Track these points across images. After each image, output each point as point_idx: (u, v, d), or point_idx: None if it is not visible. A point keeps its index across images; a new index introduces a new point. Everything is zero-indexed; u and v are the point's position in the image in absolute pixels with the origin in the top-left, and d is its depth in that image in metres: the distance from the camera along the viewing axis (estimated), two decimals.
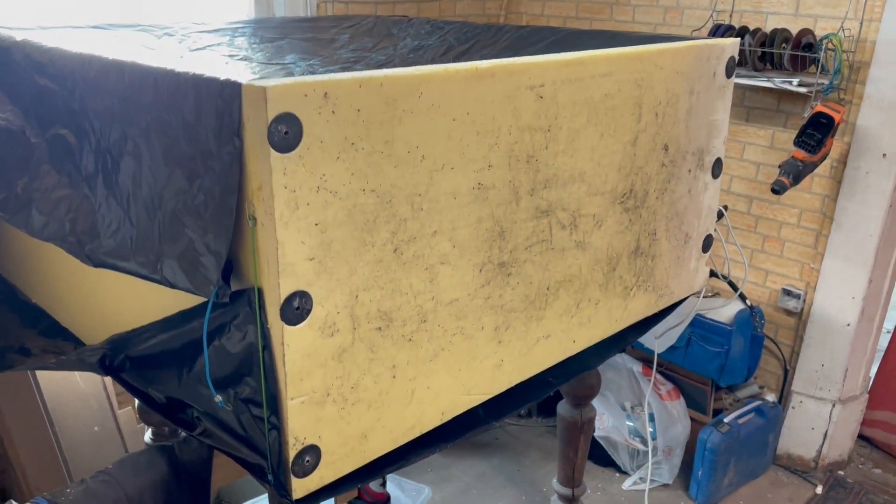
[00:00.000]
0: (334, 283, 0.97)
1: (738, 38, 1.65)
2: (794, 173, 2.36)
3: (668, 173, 1.52)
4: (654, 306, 1.64)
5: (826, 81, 2.39)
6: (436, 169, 1.06)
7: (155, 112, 1.03)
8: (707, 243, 1.74)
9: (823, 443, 2.78)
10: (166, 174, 1.03)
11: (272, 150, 0.87)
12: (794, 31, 2.46)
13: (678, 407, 2.70)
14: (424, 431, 1.19)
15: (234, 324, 0.99)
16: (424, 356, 1.14)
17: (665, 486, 2.71)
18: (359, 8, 2.79)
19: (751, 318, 2.66)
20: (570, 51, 1.25)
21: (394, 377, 1.10)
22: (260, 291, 0.95)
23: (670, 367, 2.80)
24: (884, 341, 2.97)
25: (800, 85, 2.41)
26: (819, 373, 2.73)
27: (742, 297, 2.68)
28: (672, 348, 2.66)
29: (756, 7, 2.62)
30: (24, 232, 1.30)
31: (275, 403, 0.98)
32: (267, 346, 0.96)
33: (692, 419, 2.72)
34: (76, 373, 2.14)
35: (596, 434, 2.66)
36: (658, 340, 2.14)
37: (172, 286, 1.04)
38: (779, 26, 2.52)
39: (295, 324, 0.95)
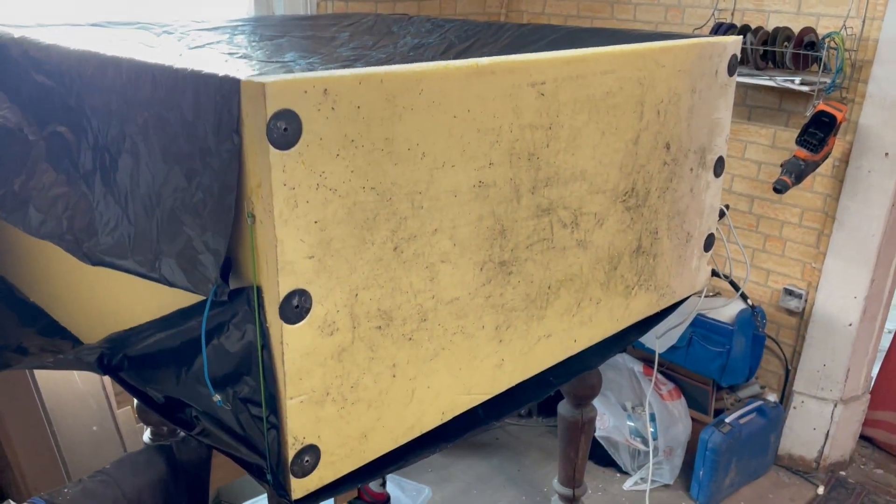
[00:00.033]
0: (334, 282, 0.97)
1: (741, 36, 1.64)
2: (797, 172, 2.35)
3: (669, 172, 1.51)
4: (655, 305, 1.63)
5: (828, 80, 2.38)
6: (436, 166, 1.05)
7: (153, 109, 1.02)
8: (709, 242, 1.73)
9: (825, 443, 2.77)
10: (164, 171, 1.02)
11: (271, 147, 0.86)
12: (796, 29, 2.46)
13: (679, 407, 2.69)
14: (424, 431, 1.18)
15: (233, 322, 0.99)
16: (425, 355, 1.13)
17: (666, 486, 2.71)
18: (359, 6, 2.79)
19: (752, 317, 2.65)
20: (572, 48, 1.24)
21: (394, 376, 1.09)
22: (259, 290, 0.94)
23: (671, 367, 2.79)
24: (886, 341, 2.96)
25: (802, 83, 2.40)
26: (821, 373, 2.72)
27: (743, 297, 2.67)
28: (673, 348, 2.65)
29: (758, 5, 2.61)
30: (22, 230, 1.29)
31: (274, 403, 0.97)
32: (266, 344, 0.95)
33: (693, 419, 2.71)
34: (75, 372, 2.14)
35: (597, 434, 2.66)
36: (659, 340, 2.13)
37: (171, 284, 1.03)
38: (781, 25, 2.52)
39: (294, 322, 0.94)
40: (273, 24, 2.02)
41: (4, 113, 1.33)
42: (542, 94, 1.17)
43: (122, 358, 1.15)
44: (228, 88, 0.88)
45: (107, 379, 2.22)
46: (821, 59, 2.38)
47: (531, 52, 1.22)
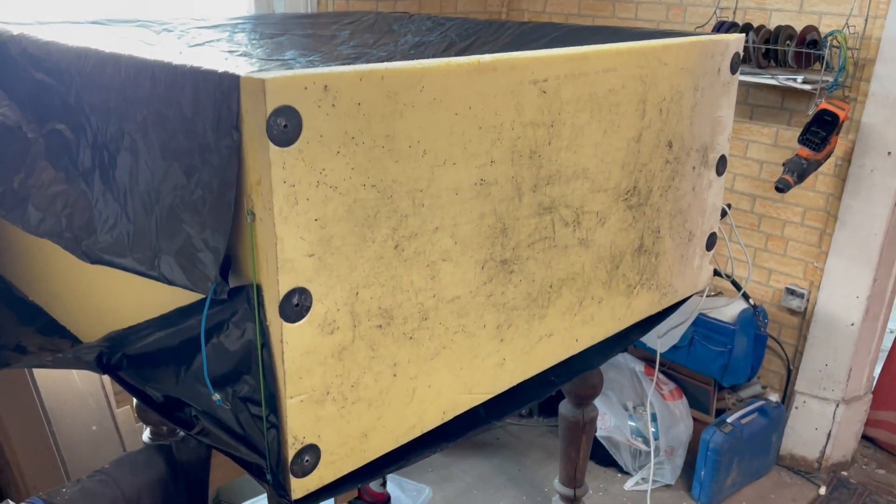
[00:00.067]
0: (334, 280, 0.96)
1: (743, 34, 1.63)
2: (799, 171, 2.34)
3: (672, 170, 1.51)
4: (657, 305, 1.62)
5: (831, 79, 2.38)
6: (437, 164, 1.04)
7: (152, 106, 1.02)
8: (711, 241, 1.73)
9: (827, 443, 2.76)
10: (164, 169, 1.02)
11: (271, 144, 0.85)
12: (799, 27, 2.45)
13: (680, 407, 2.68)
14: (425, 431, 1.17)
15: (233, 321, 0.98)
16: (425, 354, 1.12)
17: (667, 486, 2.70)
18: (359, 4, 2.78)
19: (754, 317, 2.64)
20: (573, 47, 1.23)
21: (394, 376, 1.08)
22: (259, 288, 0.93)
23: (673, 367, 2.78)
24: (888, 341, 2.96)
25: (804, 82, 2.39)
26: (823, 373, 2.71)
27: (745, 297, 2.66)
28: (674, 348, 2.65)
29: (760, 4, 2.60)
30: (21, 228, 1.29)
31: (274, 402, 0.97)
32: (266, 343, 0.95)
33: (695, 419, 2.70)
34: (74, 371, 2.13)
35: (598, 434, 2.65)
36: (660, 340, 2.13)
37: (170, 283, 1.03)
38: (783, 23, 2.51)
39: (294, 321, 0.93)
40: (273, 23, 2.02)
41: (3, 111, 1.32)
42: (544, 92, 1.17)
43: (121, 357, 1.15)
44: (228, 85, 0.88)
45: (106, 378, 2.22)
46: (823, 58, 2.37)
47: (532, 50, 1.21)
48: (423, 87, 0.99)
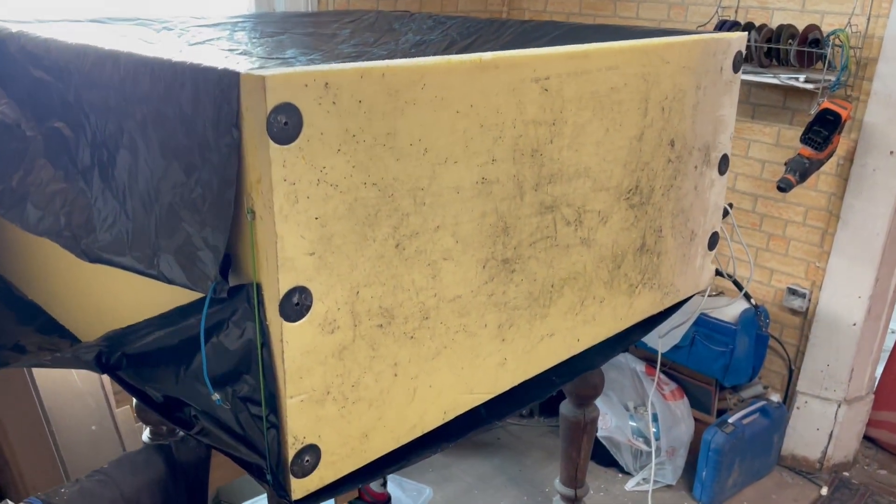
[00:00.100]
0: (335, 279, 0.95)
1: (745, 33, 1.62)
2: (801, 171, 2.33)
3: (674, 169, 1.50)
4: (659, 304, 1.62)
5: (833, 78, 2.37)
6: (439, 162, 1.03)
7: (151, 103, 1.01)
8: (713, 241, 1.72)
9: (828, 444, 2.75)
10: (163, 167, 1.01)
11: (271, 142, 0.84)
12: (801, 26, 2.44)
13: (682, 407, 2.68)
14: (426, 431, 1.17)
15: (233, 320, 0.97)
16: (426, 354, 1.11)
17: (668, 486, 2.69)
18: (360, 3, 2.77)
19: (755, 317, 2.64)
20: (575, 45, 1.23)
21: (395, 375, 1.08)
22: (259, 287, 0.93)
23: (674, 367, 2.77)
24: (890, 341, 2.95)
25: (806, 81, 2.38)
26: (824, 373, 2.70)
27: (747, 297, 2.65)
28: (676, 348, 2.64)
29: (762, 3, 2.60)
30: (19, 227, 1.28)
31: (274, 402, 0.96)
32: (266, 343, 0.94)
33: (696, 419, 2.69)
34: (73, 370, 2.12)
35: (599, 434, 2.64)
36: (662, 340, 2.12)
37: (169, 282, 1.02)
38: (785, 22, 2.50)
39: (294, 320, 0.93)
40: (274, 21, 2.01)
41: (2, 109, 1.31)
42: (546, 90, 1.16)
43: (120, 356, 1.14)
44: (228, 82, 0.87)
45: (106, 377, 2.21)
46: (825, 57, 2.36)
47: (534, 48, 1.20)
48: (424, 84, 0.98)
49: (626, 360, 2.74)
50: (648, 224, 1.48)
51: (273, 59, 1.50)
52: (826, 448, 2.76)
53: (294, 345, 0.94)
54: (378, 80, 0.93)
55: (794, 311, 2.77)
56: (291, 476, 0.99)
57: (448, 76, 1.01)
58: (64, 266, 1.43)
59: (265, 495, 1.87)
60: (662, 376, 2.74)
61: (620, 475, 2.75)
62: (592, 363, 1.50)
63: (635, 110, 1.35)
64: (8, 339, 1.47)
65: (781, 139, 2.65)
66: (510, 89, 1.10)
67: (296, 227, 0.89)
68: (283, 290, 0.90)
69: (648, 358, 2.75)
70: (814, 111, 2.39)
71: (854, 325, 2.60)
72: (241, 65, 1.36)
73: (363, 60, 1.51)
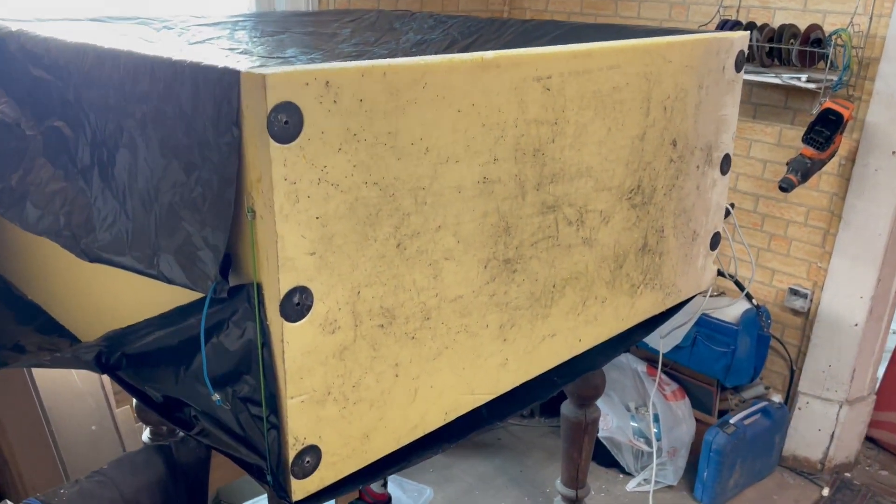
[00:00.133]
0: (335, 279, 0.95)
1: (748, 32, 1.62)
2: (803, 171, 2.33)
3: (676, 169, 1.49)
4: (661, 305, 1.61)
5: (835, 77, 2.36)
6: (440, 162, 1.03)
7: (151, 102, 1.01)
8: (715, 241, 1.71)
9: (830, 444, 2.75)
10: (163, 166, 1.00)
11: (272, 141, 0.84)
12: (803, 26, 2.43)
13: (683, 407, 2.67)
14: (427, 432, 1.16)
15: (233, 320, 0.97)
16: (428, 354, 1.11)
17: (670, 487, 2.68)
18: (361, 2, 2.77)
19: (757, 317, 2.63)
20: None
21: (396, 376, 1.07)
22: (259, 287, 0.92)
23: (675, 367, 2.77)
24: (892, 342, 2.94)
25: (808, 81, 2.38)
26: (826, 373, 2.69)
27: (748, 297, 2.65)
28: (677, 348, 2.63)
29: (763, 2, 2.59)
30: (19, 226, 1.28)
31: (274, 402, 0.96)
32: (266, 343, 0.94)
33: (697, 420, 2.69)
34: (73, 370, 2.12)
35: (600, 435, 2.64)
36: (663, 340, 2.11)
37: (169, 281, 1.02)
38: (787, 21, 2.49)
39: (295, 320, 0.92)
40: (274, 20, 2.00)
41: (2, 108, 1.31)
42: (548, 89, 1.15)
43: (120, 356, 1.13)
44: (228, 80, 0.86)
45: (105, 377, 2.21)
46: (827, 57, 2.35)
47: (536, 47, 1.19)
48: (425, 83, 0.98)
49: (628, 361, 2.73)
50: (650, 224, 1.48)
51: (273, 58, 1.50)
52: (827, 449, 2.76)
53: (295, 345, 0.93)
54: (379, 79, 0.92)
55: (795, 312, 2.76)
56: (292, 477, 0.98)
57: (450, 75, 1.00)
58: (63, 266, 1.43)
59: (265, 496, 1.86)
60: (664, 377, 2.74)
61: (621, 476, 2.75)
62: (594, 363, 1.49)
63: (637, 110, 1.34)
64: (7, 339, 1.46)
65: (783, 139, 2.65)
66: (512, 88, 1.10)
67: (296, 226, 0.89)
68: (284, 289, 0.90)
69: (650, 358, 2.74)
70: (816, 111, 2.39)
71: (856, 325, 2.60)
72: (242, 64, 1.36)
73: (364, 60, 1.51)
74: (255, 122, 0.85)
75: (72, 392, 2.13)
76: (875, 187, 2.45)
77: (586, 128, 1.25)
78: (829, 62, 2.36)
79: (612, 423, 2.67)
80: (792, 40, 2.43)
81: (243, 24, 1.88)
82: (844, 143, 2.46)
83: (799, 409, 2.77)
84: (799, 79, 2.39)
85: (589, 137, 1.26)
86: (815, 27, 2.41)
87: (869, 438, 2.92)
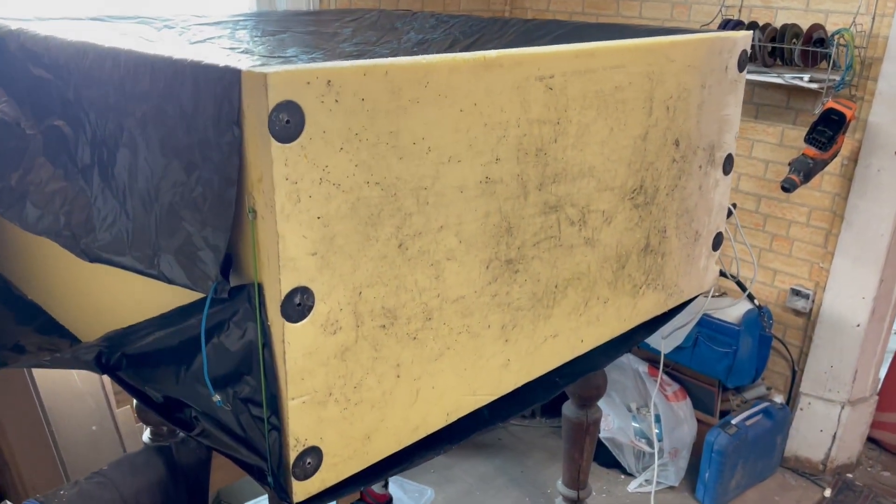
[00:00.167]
0: (337, 279, 0.94)
1: (751, 32, 1.61)
2: (805, 171, 2.32)
3: (678, 169, 1.49)
4: (663, 305, 1.61)
5: (837, 77, 2.35)
6: (442, 161, 1.02)
7: (151, 101, 1.00)
8: (717, 241, 1.71)
9: (832, 445, 2.74)
10: (163, 165, 1.00)
11: (273, 140, 0.83)
12: (805, 26, 2.43)
13: (685, 408, 2.66)
14: (429, 433, 1.16)
15: (234, 321, 0.96)
16: (429, 355, 1.10)
17: (671, 488, 2.68)
18: (362, 1, 2.76)
19: (759, 318, 2.62)
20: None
21: (398, 377, 1.07)
22: (260, 287, 0.92)
23: (677, 368, 2.76)
24: (894, 342, 2.93)
25: (811, 81, 2.37)
26: (828, 374, 2.69)
27: (750, 297, 2.64)
28: (679, 348, 2.62)
29: (766, 2, 2.58)
30: (18, 226, 1.27)
31: (275, 403, 0.95)
32: (267, 343, 0.93)
33: (699, 420, 2.68)
34: (73, 370, 2.11)
35: (601, 435, 2.63)
36: (665, 340, 2.11)
37: (170, 282, 1.01)
38: (789, 21, 2.49)
39: (296, 321, 0.91)
40: (275, 20, 2.00)
41: (2, 107, 1.30)
42: (551, 89, 1.15)
43: (120, 357, 1.13)
44: (229, 79, 0.86)
45: (106, 378, 2.20)
46: (830, 56, 2.35)
47: (538, 46, 1.19)
48: (427, 82, 0.97)
49: (629, 361, 2.73)
50: (653, 224, 1.47)
51: (274, 57, 1.49)
52: (829, 450, 2.75)
53: (296, 346, 0.93)
54: (381, 78, 0.92)
55: (797, 312, 2.76)
56: (293, 478, 0.98)
57: (452, 74, 1.00)
58: (63, 266, 1.42)
59: (266, 497, 1.86)
60: (665, 377, 2.73)
61: (623, 476, 2.74)
62: (596, 364, 1.49)
63: (640, 109, 1.33)
64: (7, 339, 1.46)
65: (785, 139, 2.64)
66: (514, 88, 1.09)
67: (298, 226, 0.88)
68: (285, 290, 0.89)
69: (651, 359, 2.73)
70: (818, 111, 2.38)
71: (858, 326, 2.59)
72: (243, 63, 1.35)
73: (365, 59, 1.51)
74: (256, 122, 0.84)
75: (72, 392, 2.12)
76: (877, 188, 2.44)
77: (589, 127, 1.24)
78: (831, 62, 2.35)
79: (613, 423, 2.66)
80: (794, 40, 2.42)
81: (244, 23, 1.88)
82: (847, 144, 2.46)
83: (801, 409, 2.76)
84: (801, 79, 2.38)
85: (591, 137, 1.25)
86: (817, 27, 2.40)
87: (871, 439, 2.91)
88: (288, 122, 0.84)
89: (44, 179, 1.21)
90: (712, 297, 1.81)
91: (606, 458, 2.74)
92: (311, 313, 0.93)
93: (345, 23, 2.02)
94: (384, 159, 0.95)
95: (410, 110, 0.96)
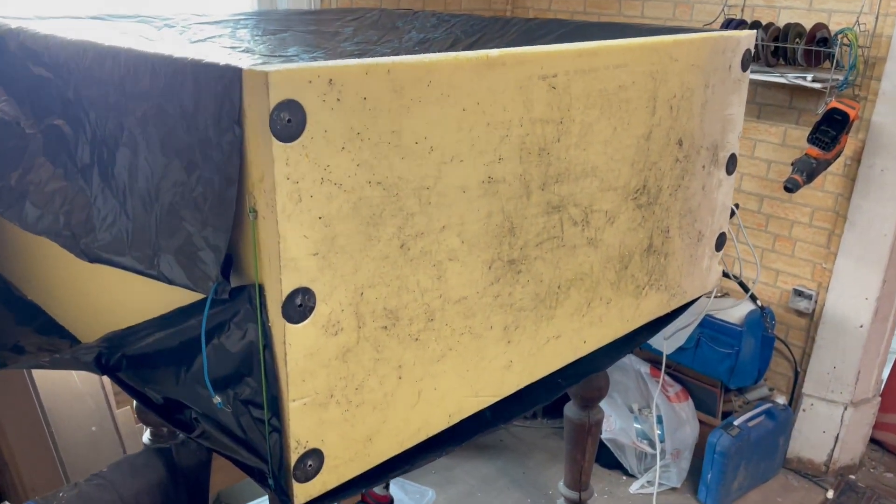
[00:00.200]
0: (338, 280, 0.93)
1: (755, 31, 1.60)
2: (808, 171, 2.31)
3: (681, 169, 1.48)
4: (666, 306, 1.60)
5: (841, 77, 2.35)
6: (444, 161, 1.01)
7: (152, 100, 0.99)
8: (720, 241, 1.70)
9: (834, 446, 2.73)
10: (163, 165, 0.99)
11: (274, 139, 0.83)
12: (808, 25, 2.42)
13: (687, 409, 2.66)
14: (431, 434, 1.15)
15: (234, 322, 0.95)
16: (431, 356, 1.10)
17: (673, 489, 2.67)
18: (363, 1, 2.75)
19: (761, 318, 2.61)
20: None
21: (400, 378, 1.06)
22: (261, 288, 0.91)
23: (679, 369, 2.75)
24: None
25: (814, 81, 2.36)
26: (831, 375, 2.68)
27: (752, 298, 2.63)
28: (681, 349, 2.62)
29: (768, 1, 2.57)
30: (18, 226, 1.26)
31: (276, 405, 0.94)
32: (268, 345, 0.92)
33: (701, 422, 2.67)
34: (73, 371, 2.11)
35: (603, 436, 2.62)
36: (667, 341, 2.10)
37: (170, 282, 1.00)
38: (792, 21, 2.48)
39: (297, 322, 0.91)
40: (276, 19, 1.99)
41: (1, 106, 1.30)
42: (554, 88, 1.14)
43: (120, 357, 1.12)
44: (230, 78, 0.85)
45: (106, 378, 2.19)
46: (833, 56, 2.34)
47: (542, 45, 1.18)
48: (430, 81, 0.96)
49: (631, 362, 2.72)
50: (656, 224, 1.46)
51: (275, 56, 1.48)
52: (832, 451, 2.74)
53: (297, 347, 0.92)
54: (383, 77, 0.91)
55: (800, 313, 2.75)
56: (294, 481, 0.97)
57: (454, 73, 0.99)
58: (63, 266, 1.41)
59: (266, 499, 1.85)
60: (667, 378, 2.72)
61: (625, 478, 2.73)
62: (599, 365, 1.48)
63: (643, 109, 1.32)
64: (7, 340, 1.45)
65: (787, 139, 2.63)
66: (517, 87, 1.08)
67: (299, 226, 0.87)
68: (286, 291, 0.88)
69: (653, 359, 2.73)
70: (821, 111, 2.37)
71: (861, 326, 2.58)
72: (244, 62, 1.34)
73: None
74: (257, 121, 0.83)
75: (72, 393, 2.12)
76: (881, 188, 2.43)
77: (592, 127, 1.23)
78: (834, 61, 2.35)
79: (615, 424, 2.65)
80: (797, 39, 2.41)
81: (245, 22, 1.87)
82: (850, 144, 2.45)
83: (803, 410, 2.76)
84: (804, 78, 2.37)
85: (594, 137, 1.24)
86: (820, 26, 2.39)
87: (874, 440, 2.90)
88: (289, 121, 0.83)
89: (43, 179, 1.20)
90: (714, 297, 1.80)
91: (608, 459, 2.73)
92: (312, 314, 0.92)
93: (346, 22, 2.01)
94: (386, 159, 0.94)
95: (413, 109, 0.95)
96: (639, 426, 2.65)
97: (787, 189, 2.33)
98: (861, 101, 2.41)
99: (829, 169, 2.45)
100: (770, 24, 2.48)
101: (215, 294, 0.93)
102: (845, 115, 2.27)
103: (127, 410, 2.25)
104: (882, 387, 2.83)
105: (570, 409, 1.91)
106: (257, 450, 0.99)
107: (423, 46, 1.75)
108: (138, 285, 1.13)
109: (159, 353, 1.08)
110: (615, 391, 2.70)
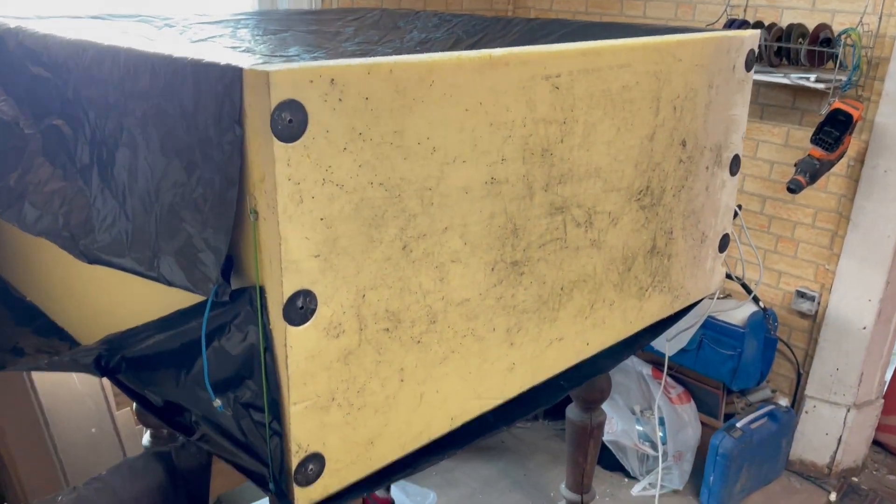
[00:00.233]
0: (340, 282, 0.92)
1: (759, 31, 1.59)
2: (811, 172, 2.30)
3: (685, 170, 1.47)
4: (669, 308, 1.59)
5: (844, 78, 2.34)
6: (447, 162, 1.00)
7: (152, 100, 0.98)
8: (724, 243, 1.69)
9: (837, 448, 2.72)
10: (163, 165, 0.98)
11: (275, 140, 0.82)
12: (811, 25, 2.41)
13: (689, 411, 2.65)
14: (433, 438, 1.14)
15: (235, 324, 0.94)
16: (434, 359, 1.09)
17: (675, 491, 2.66)
18: (364, 1, 2.75)
19: (764, 320, 2.60)
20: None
21: (402, 381, 1.05)
22: (262, 290, 0.90)
23: (681, 370, 2.74)
24: None
25: (817, 81, 2.35)
26: (833, 377, 2.67)
27: (755, 299, 2.62)
28: (683, 351, 2.61)
29: (771, 1, 2.57)
30: (17, 226, 1.26)
31: (277, 408, 0.93)
32: (269, 347, 0.91)
33: (703, 424, 2.66)
34: (73, 373, 2.10)
35: (604, 438, 2.61)
36: (669, 343, 2.09)
37: (170, 284, 0.99)
38: (795, 21, 2.47)
39: (298, 324, 0.90)
40: (277, 19, 1.98)
41: (0, 106, 1.29)
42: (557, 88, 1.13)
43: (119, 360, 1.11)
44: (231, 78, 0.84)
45: (106, 380, 2.18)
46: (836, 57, 2.33)
47: (545, 45, 1.17)
48: (432, 81, 0.95)
49: (633, 364, 2.71)
50: (659, 226, 1.45)
51: (276, 56, 1.47)
52: (835, 453, 2.73)
53: (298, 349, 0.91)
54: (385, 77, 0.90)
55: (802, 314, 2.74)
56: (295, 485, 0.96)
57: (457, 73, 0.98)
58: (62, 267, 1.40)
59: (267, 502, 1.84)
60: (669, 380, 2.71)
61: (626, 480, 2.72)
62: (601, 367, 1.47)
63: (647, 109, 1.32)
64: (6, 342, 1.44)
65: (790, 140, 2.62)
66: (520, 87, 1.07)
67: (300, 227, 0.86)
68: (288, 293, 0.87)
69: (655, 361, 2.72)
70: (824, 111, 2.36)
71: (864, 328, 2.57)
72: (244, 61, 1.33)
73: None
74: (258, 121, 0.82)
75: (71, 394, 2.11)
76: (884, 189, 2.42)
77: (595, 127, 1.22)
78: (838, 62, 2.34)
79: (617, 426, 2.64)
80: (800, 40, 2.41)
81: (246, 22, 1.86)
82: (853, 144, 2.44)
83: (806, 412, 2.75)
84: (807, 79, 2.36)
85: (598, 137, 1.23)
86: (823, 26, 2.38)
87: (876, 442, 2.89)
88: (290, 121, 0.82)
89: (42, 179, 1.19)
90: (717, 298, 1.80)
91: (610, 461, 2.72)
92: (313, 316, 0.91)
93: (347, 22, 2.00)
94: (388, 159, 0.93)
95: (415, 109, 0.94)
96: (641, 428, 2.64)
97: (791, 190, 2.32)
98: (864, 102, 2.40)
99: (833, 170, 2.44)
100: (773, 25, 2.47)
101: (216, 296, 0.92)
102: (849, 116, 2.26)
103: (127, 412, 2.24)
104: (885, 389, 2.82)
105: (571, 411, 1.90)
106: (258, 453, 0.98)
107: (425, 46, 1.74)
108: (138, 287, 1.12)
109: (159, 355, 1.07)
110: (617, 393, 2.69)
